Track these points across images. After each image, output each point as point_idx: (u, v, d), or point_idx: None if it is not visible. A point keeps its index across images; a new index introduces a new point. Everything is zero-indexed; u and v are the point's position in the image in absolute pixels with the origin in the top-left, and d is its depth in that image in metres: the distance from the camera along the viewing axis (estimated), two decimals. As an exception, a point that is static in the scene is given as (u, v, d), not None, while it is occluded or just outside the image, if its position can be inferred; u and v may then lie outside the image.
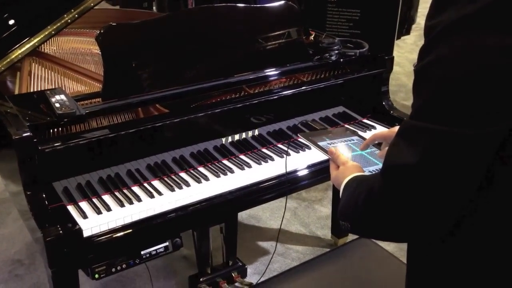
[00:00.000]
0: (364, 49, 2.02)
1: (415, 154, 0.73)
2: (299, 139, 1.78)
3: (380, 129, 1.91)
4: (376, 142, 1.20)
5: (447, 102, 0.71)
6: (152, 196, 1.44)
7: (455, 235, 0.81)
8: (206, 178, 1.54)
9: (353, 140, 1.26)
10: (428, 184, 0.74)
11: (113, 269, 1.37)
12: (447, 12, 0.72)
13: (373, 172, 1.10)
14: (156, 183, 1.51)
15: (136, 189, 1.48)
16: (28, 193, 1.32)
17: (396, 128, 1.08)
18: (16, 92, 1.68)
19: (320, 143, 1.21)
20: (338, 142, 1.23)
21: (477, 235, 0.80)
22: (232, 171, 1.58)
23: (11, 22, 1.78)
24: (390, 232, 0.85)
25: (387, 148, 1.08)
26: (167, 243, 1.44)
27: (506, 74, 0.68)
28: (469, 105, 0.70)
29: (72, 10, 1.80)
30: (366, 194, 0.85)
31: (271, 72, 1.82)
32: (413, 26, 3.79)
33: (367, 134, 1.87)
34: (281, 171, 1.60)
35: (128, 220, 1.37)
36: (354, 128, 1.91)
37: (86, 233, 1.31)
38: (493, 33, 0.68)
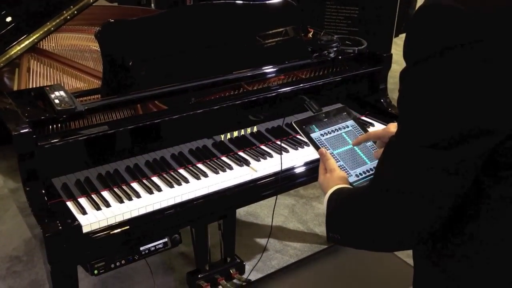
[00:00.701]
0: (362, 47, 2.02)
1: (397, 172, 0.80)
2: (297, 136, 1.79)
3: (377, 126, 1.92)
4: (371, 141, 1.20)
5: (421, 122, 0.76)
6: (151, 193, 1.45)
7: (459, 238, 0.83)
8: (205, 175, 1.54)
9: (348, 127, 1.24)
10: (410, 199, 0.79)
11: (112, 265, 1.37)
12: (418, 40, 0.75)
13: (360, 176, 1.13)
14: (155, 179, 1.51)
15: (135, 185, 1.48)
16: (28, 189, 1.32)
17: (391, 126, 1.10)
18: (15, 88, 1.68)
19: (313, 135, 1.19)
20: (330, 133, 1.22)
21: (481, 239, 0.82)
22: (230, 168, 1.59)
23: (10, 18, 1.78)
24: (378, 242, 0.90)
25: (382, 148, 1.10)
26: (166, 239, 1.45)
27: (472, 98, 0.72)
28: (441, 128, 0.74)
29: (71, 7, 1.80)
30: (352, 205, 0.91)
31: (269, 69, 1.82)
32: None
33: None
34: (279, 168, 1.60)
35: (127, 216, 1.37)
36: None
37: (85, 229, 1.31)
38: (456, 66, 0.71)
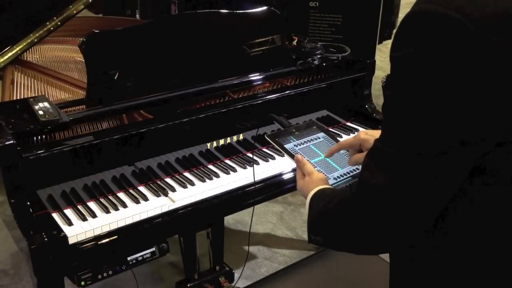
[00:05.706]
0: (346, 53, 2.04)
1: (385, 177, 0.79)
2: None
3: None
4: (342, 150, 1.21)
5: (410, 130, 0.76)
6: (137, 202, 1.44)
7: (436, 236, 0.84)
8: (192, 183, 1.54)
9: (319, 138, 1.27)
10: (399, 204, 0.79)
11: (100, 276, 1.36)
12: (406, 47, 0.75)
13: (338, 179, 1.14)
14: (142, 189, 1.51)
15: (121, 195, 1.48)
16: (12, 201, 1.31)
17: (361, 133, 1.11)
18: (-1, 101, 1.67)
19: (287, 146, 1.22)
20: (303, 143, 1.24)
21: (458, 237, 0.83)
22: (217, 176, 1.59)
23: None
24: (361, 245, 0.90)
25: (355, 155, 1.11)
26: (153, 249, 1.44)
27: (458, 103, 0.72)
28: (430, 133, 0.74)
29: (55, 18, 1.80)
30: (337, 210, 0.91)
31: (255, 77, 1.83)
32: (394, 31, 3.85)
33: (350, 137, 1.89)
34: (267, 174, 1.61)
35: (113, 226, 1.37)
36: (335, 131, 1.93)
37: (71, 240, 1.30)
38: (443, 70, 0.71)
